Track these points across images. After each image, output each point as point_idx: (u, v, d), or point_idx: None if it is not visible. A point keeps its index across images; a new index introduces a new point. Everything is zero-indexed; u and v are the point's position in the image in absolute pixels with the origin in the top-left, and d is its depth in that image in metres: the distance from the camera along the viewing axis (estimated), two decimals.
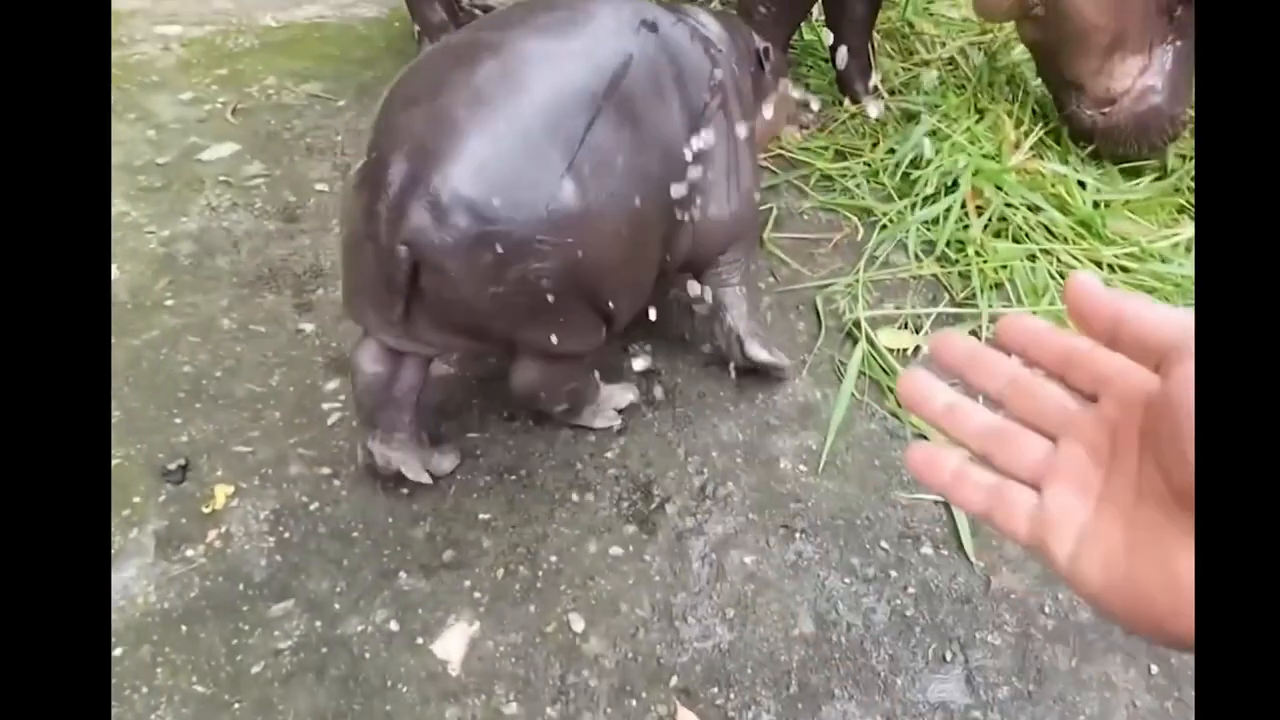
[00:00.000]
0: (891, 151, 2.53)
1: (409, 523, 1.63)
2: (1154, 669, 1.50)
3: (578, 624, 1.51)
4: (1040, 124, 2.58)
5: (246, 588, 1.53)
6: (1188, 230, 2.28)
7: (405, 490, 1.67)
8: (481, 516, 1.65)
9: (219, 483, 1.67)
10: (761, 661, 1.49)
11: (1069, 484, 0.60)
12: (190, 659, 1.44)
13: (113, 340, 1.91)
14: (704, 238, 1.73)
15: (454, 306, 1.43)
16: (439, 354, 1.63)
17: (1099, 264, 2.19)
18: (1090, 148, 2.51)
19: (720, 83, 1.70)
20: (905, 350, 2.01)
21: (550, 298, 1.43)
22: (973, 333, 2.04)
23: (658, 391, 1.89)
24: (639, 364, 1.93)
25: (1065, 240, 2.25)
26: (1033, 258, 2.20)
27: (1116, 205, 2.38)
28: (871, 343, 1.99)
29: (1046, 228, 2.28)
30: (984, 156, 2.41)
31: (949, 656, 1.51)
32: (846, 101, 2.77)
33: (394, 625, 1.49)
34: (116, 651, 1.44)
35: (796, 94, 2.31)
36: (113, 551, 1.56)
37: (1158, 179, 2.51)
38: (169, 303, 2.01)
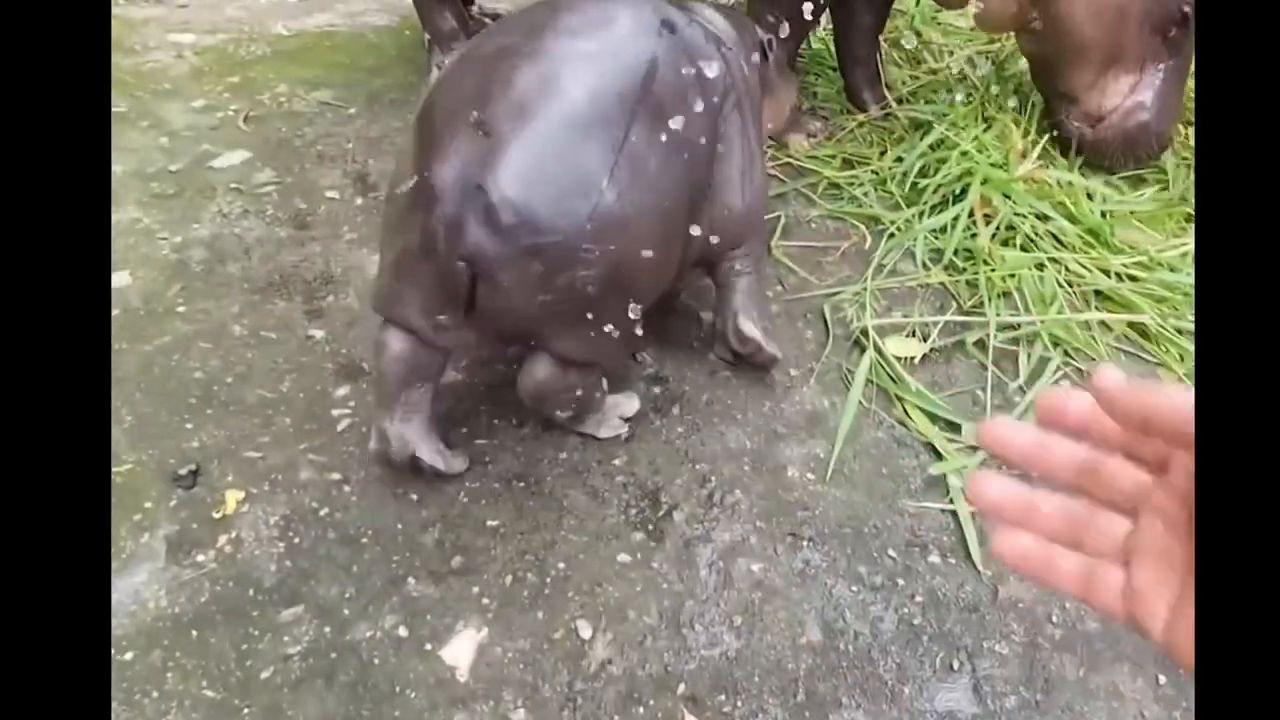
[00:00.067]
0: (899, 160, 2.54)
1: (418, 529, 1.64)
2: (1162, 679, 1.50)
3: (585, 631, 1.52)
4: (1048, 133, 2.59)
5: (256, 593, 1.54)
6: None
7: (414, 496, 1.68)
8: (490, 523, 1.66)
9: (229, 488, 1.68)
10: (769, 669, 1.49)
11: (1153, 559, 0.60)
12: (200, 664, 1.44)
13: (124, 346, 1.92)
14: (720, 233, 1.76)
15: (504, 315, 1.47)
16: (472, 354, 1.65)
17: (1107, 273, 2.20)
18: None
19: (734, 82, 1.72)
20: (912, 358, 2.01)
21: (593, 303, 1.48)
22: (979, 342, 2.04)
23: (666, 399, 1.90)
24: (646, 372, 1.94)
25: (1074, 249, 2.25)
26: (1041, 266, 2.20)
27: (1125, 214, 2.39)
28: (879, 351, 2.00)
29: (1055, 236, 2.28)
30: (992, 165, 2.41)
31: (956, 665, 1.51)
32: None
33: (403, 631, 1.50)
34: (127, 656, 1.44)
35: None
36: (124, 556, 1.57)
37: (1164, 188, 2.51)
38: (181, 309, 2.03)
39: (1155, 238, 2.31)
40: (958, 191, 2.38)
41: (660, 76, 1.53)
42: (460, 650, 1.48)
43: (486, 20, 3.11)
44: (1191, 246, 2.26)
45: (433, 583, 1.57)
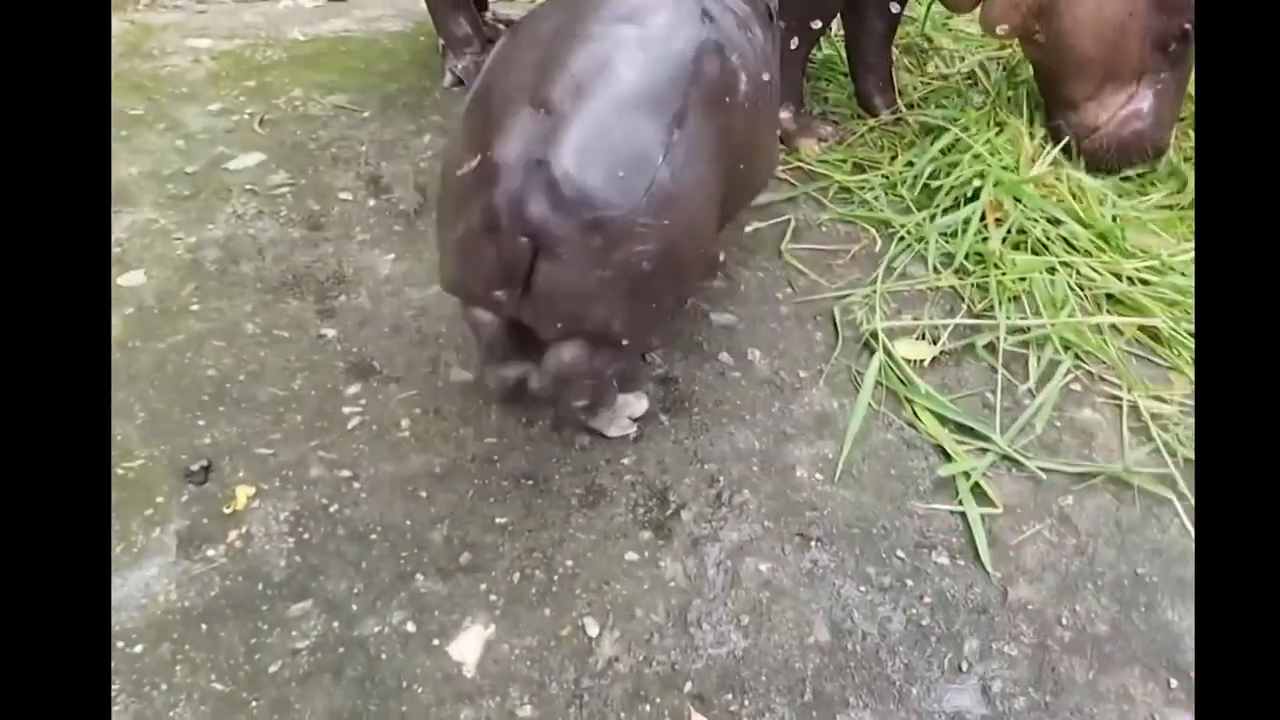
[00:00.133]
0: (910, 164, 2.54)
1: (427, 525, 1.65)
2: (1173, 683, 1.49)
3: (593, 628, 1.52)
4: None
5: (266, 588, 1.55)
6: None
7: (423, 493, 1.69)
8: (498, 520, 1.66)
9: (240, 484, 1.69)
10: (776, 669, 1.48)
11: None
12: (209, 657, 1.45)
13: (138, 343, 1.94)
14: (742, 199, 1.86)
15: (559, 292, 1.50)
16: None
17: (1119, 276, 2.19)
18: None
19: (762, 65, 1.75)
20: (922, 361, 2.01)
21: (646, 280, 1.51)
22: (989, 345, 2.04)
23: (674, 400, 1.90)
24: (656, 373, 1.94)
25: (1085, 253, 2.25)
26: (1052, 270, 2.19)
27: (1137, 218, 2.38)
28: (889, 353, 1.99)
29: (1066, 240, 2.27)
30: (1003, 169, 2.41)
31: (965, 666, 1.50)
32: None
33: (411, 627, 1.51)
34: (137, 648, 1.45)
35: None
36: (135, 550, 1.58)
37: (1177, 192, 2.50)
38: (194, 308, 2.04)
39: (1168, 241, 2.30)
40: (969, 195, 2.37)
41: (706, 62, 1.58)
42: (467, 646, 1.49)
43: (500, 26, 3.13)
44: None
45: (441, 579, 1.57)
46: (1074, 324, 2.06)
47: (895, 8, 2.62)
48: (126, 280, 2.10)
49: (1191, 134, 2.65)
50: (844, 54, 2.88)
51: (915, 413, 1.90)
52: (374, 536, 1.63)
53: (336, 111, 2.76)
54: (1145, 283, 2.18)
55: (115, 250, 2.17)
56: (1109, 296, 2.17)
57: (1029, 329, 2.07)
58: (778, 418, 1.89)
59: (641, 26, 1.57)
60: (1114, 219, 2.33)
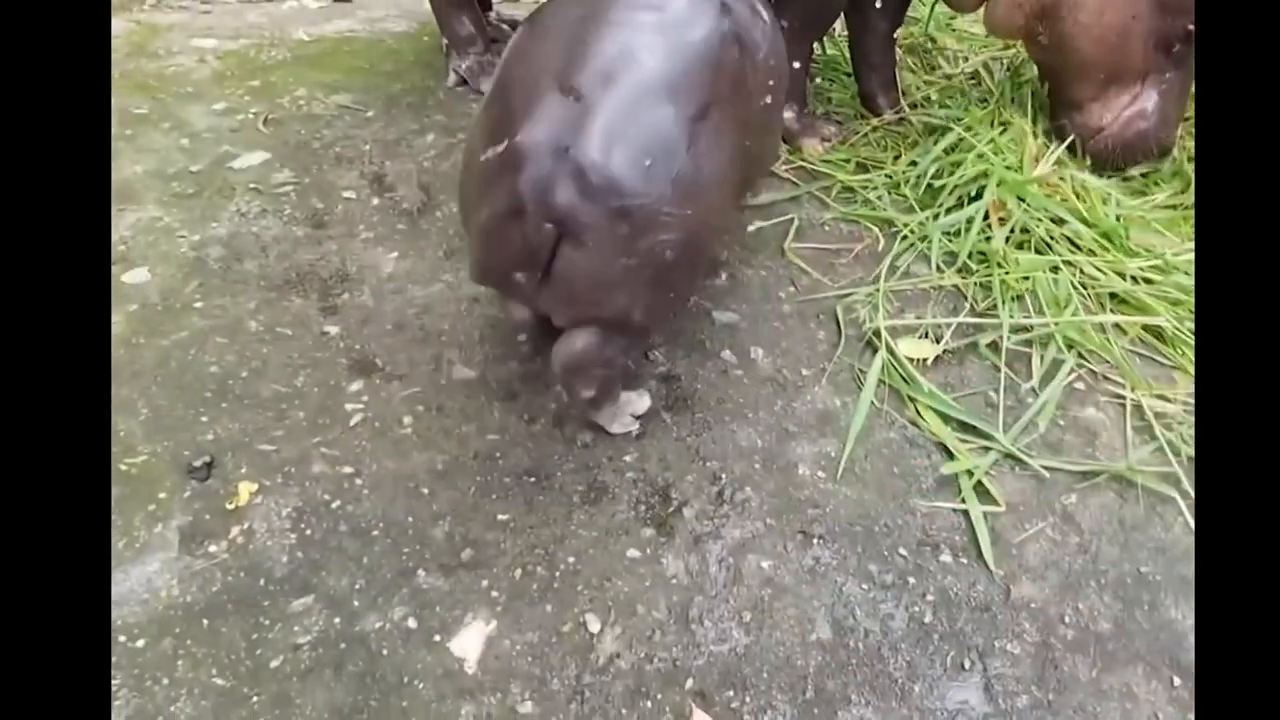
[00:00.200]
0: (913, 164, 2.53)
1: (429, 522, 1.65)
2: (1176, 681, 1.48)
3: (594, 625, 1.51)
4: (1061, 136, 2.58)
5: (267, 583, 1.55)
6: None
7: (425, 490, 1.69)
8: (500, 517, 1.66)
9: (243, 480, 1.69)
10: (778, 666, 1.48)
11: None
12: (211, 652, 1.45)
13: (142, 340, 1.95)
14: (750, 186, 1.88)
15: (579, 279, 1.51)
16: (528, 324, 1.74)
17: (1123, 275, 2.18)
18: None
19: (769, 48, 1.76)
20: (925, 360, 2.00)
21: (668, 269, 1.53)
22: (992, 344, 2.03)
23: (677, 398, 1.90)
24: (658, 371, 1.94)
25: (1089, 252, 2.24)
26: (1055, 269, 2.19)
27: (1141, 218, 2.37)
28: (891, 352, 1.99)
29: (1070, 240, 2.27)
30: (1007, 168, 2.40)
31: (967, 664, 1.50)
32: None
33: (412, 623, 1.51)
34: (139, 643, 1.46)
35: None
36: (137, 546, 1.58)
37: (1181, 191, 2.50)
38: (198, 305, 2.05)
39: (1172, 241, 2.29)
40: (972, 194, 2.37)
41: (726, 52, 1.60)
42: (469, 642, 1.49)
43: (504, 26, 3.14)
44: None
45: (442, 575, 1.57)
46: (1077, 323, 2.06)
47: (879, 2, 2.62)
48: (130, 277, 2.10)
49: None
50: (847, 54, 2.88)
51: (918, 411, 1.90)
52: (376, 533, 1.63)
53: (340, 111, 2.77)
54: (1149, 282, 2.18)
55: (120, 248, 2.18)
56: (1112, 296, 2.16)
57: (1032, 328, 2.06)
58: (780, 415, 1.88)
59: (664, 15, 1.58)
60: (1118, 218, 2.32)
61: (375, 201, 2.39)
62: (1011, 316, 2.08)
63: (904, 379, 1.95)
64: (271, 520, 1.64)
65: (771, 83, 1.77)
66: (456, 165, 2.52)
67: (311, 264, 2.18)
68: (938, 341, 2.05)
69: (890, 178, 2.54)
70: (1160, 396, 1.95)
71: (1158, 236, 2.32)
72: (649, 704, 1.42)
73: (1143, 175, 2.57)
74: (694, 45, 1.56)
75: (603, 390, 1.72)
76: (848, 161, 2.61)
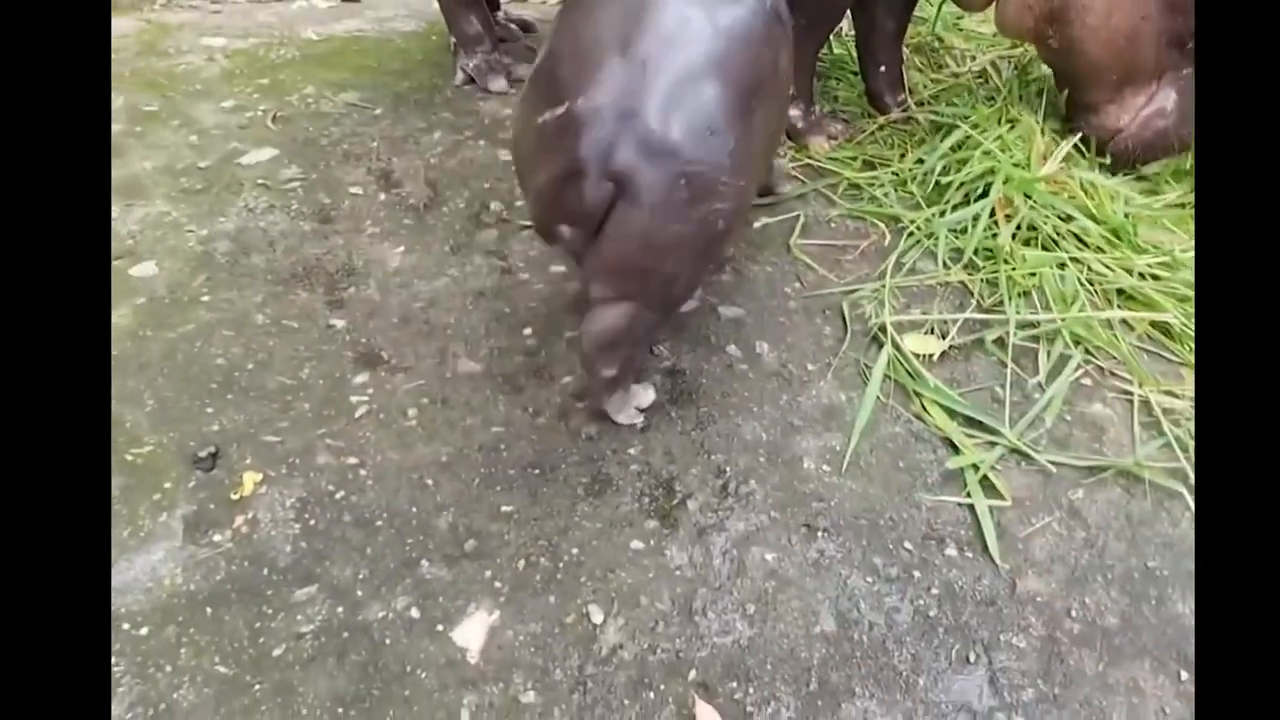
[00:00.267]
0: (920, 161, 2.53)
1: (433, 513, 1.65)
2: (1183, 675, 1.47)
3: (597, 616, 1.51)
4: (1071, 134, 2.57)
5: (271, 573, 1.55)
6: None
7: (430, 481, 1.69)
8: (504, 509, 1.66)
9: (248, 470, 1.69)
10: (781, 658, 1.47)
11: None
12: (214, 640, 1.45)
13: (149, 333, 1.95)
14: (773, 159, 1.90)
15: (635, 241, 1.50)
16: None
17: (1130, 272, 2.17)
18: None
19: (789, 27, 1.77)
20: (931, 355, 2.00)
21: (716, 238, 1.54)
22: (999, 340, 2.02)
23: (682, 391, 1.90)
24: (663, 364, 1.94)
25: (1096, 249, 2.23)
26: (1062, 265, 2.18)
27: (1149, 215, 2.36)
28: (897, 347, 1.99)
29: (1077, 236, 2.26)
30: (1014, 165, 2.40)
31: (972, 658, 1.49)
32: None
33: (415, 612, 1.50)
34: (142, 631, 1.46)
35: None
36: (142, 535, 1.59)
37: (1190, 190, 2.49)
38: (205, 298, 2.06)
39: (1180, 238, 2.28)
40: (979, 191, 2.37)
41: (773, 30, 1.62)
42: (471, 632, 1.48)
43: (513, 26, 3.15)
44: None
45: (446, 565, 1.57)
46: (1084, 319, 2.05)
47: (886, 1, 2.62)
48: (138, 271, 2.11)
49: None
50: (854, 53, 2.87)
51: (924, 406, 1.89)
52: (380, 523, 1.63)
53: (348, 108, 2.78)
54: (1157, 278, 2.17)
55: (128, 242, 2.19)
56: (1120, 292, 2.15)
57: (1039, 324, 2.05)
58: (785, 410, 1.88)
59: None
60: (1126, 215, 2.31)
61: (382, 197, 2.40)
62: (1018, 312, 2.07)
63: (909, 374, 1.94)
64: (275, 510, 1.64)
65: (790, 60, 1.79)
66: (463, 162, 2.54)
67: (318, 258, 2.19)
68: (943, 337, 2.04)
69: (897, 175, 2.53)
70: (1168, 392, 1.94)
71: (1166, 233, 2.31)
72: (652, 695, 1.42)
73: (1153, 173, 2.57)
74: (747, 20, 1.57)
75: (624, 370, 1.72)
76: (854, 159, 2.61)
